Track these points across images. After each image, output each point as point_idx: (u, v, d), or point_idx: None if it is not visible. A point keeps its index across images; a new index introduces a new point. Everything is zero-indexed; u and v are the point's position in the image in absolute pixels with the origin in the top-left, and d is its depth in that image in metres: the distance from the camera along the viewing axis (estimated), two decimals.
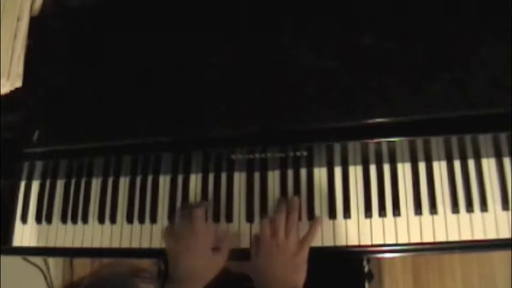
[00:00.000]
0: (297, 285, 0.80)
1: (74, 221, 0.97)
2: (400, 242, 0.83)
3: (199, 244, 0.83)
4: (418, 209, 0.83)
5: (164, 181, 0.95)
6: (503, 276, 1.46)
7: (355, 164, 0.87)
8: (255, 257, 0.84)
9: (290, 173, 0.90)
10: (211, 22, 0.85)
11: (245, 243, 0.88)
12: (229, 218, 0.90)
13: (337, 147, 0.81)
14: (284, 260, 0.81)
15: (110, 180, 0.97)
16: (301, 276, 0.81)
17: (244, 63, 0.81)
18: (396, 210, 0.84)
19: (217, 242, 0.86)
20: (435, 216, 0.82)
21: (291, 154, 0.83)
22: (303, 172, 0.89)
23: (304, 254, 0.82)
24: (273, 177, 0.90)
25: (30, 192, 1.01)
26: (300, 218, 0.86)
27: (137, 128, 0.83)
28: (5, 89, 0.90)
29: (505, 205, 0.81)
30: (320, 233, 0.85)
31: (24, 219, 1.00)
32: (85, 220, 0.97)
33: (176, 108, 0.81)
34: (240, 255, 0.87)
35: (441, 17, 0.76)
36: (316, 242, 0.85)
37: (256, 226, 0.88)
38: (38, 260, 1.51)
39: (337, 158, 0.86)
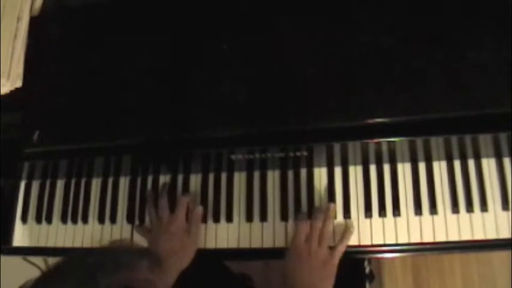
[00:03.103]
0: None
1: (74, 221, 0.97)
2: (400, 242, 0.83)
3: (177, 228, 0.87)
4: (418, 209, 0.83)
5: (164, 181, 0.95)
6: (503, 276, 1.46)
7: (355, 164, 0.87)
8: (285, 259, 0.83)
9: (290, 173, 0.90)
10: (211, 22, 0.84)
11: (245, 243, 0.88)
12: (229, 218, 0.90)
13: (337, 147, 0.81)
14: (314, 267, 0.80)
15: (110, 180, 0.97)
16: (328, 285, 0.81)
17: (243, 64, 0.81)
18: (396, 210, 0.84)
19: (189, 224, 0.89)
20: (435, 216, 0.82)
21: (291, 154, 0.83)
22: (303, 172, 0.89)
23: (334, 264, 0.82)
24: (273, 177, 0.90)
25: (30, 192, 1.01)
26: None
27: (137, 128, 0.83)
28: (5, 89, 0.90)
29: (505, 205, 0.81)
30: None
31: (24, 219, 1.00)
32: (85, 220, 0.97)
33: (176, 108, 0.81)
34: (236, 254, 0.87)
35: (441, 17, 0.76)
36: None
37: (255, 226, 0.88)
38: (38, 260, 1.51)
39: (337, 158, 0.86)
